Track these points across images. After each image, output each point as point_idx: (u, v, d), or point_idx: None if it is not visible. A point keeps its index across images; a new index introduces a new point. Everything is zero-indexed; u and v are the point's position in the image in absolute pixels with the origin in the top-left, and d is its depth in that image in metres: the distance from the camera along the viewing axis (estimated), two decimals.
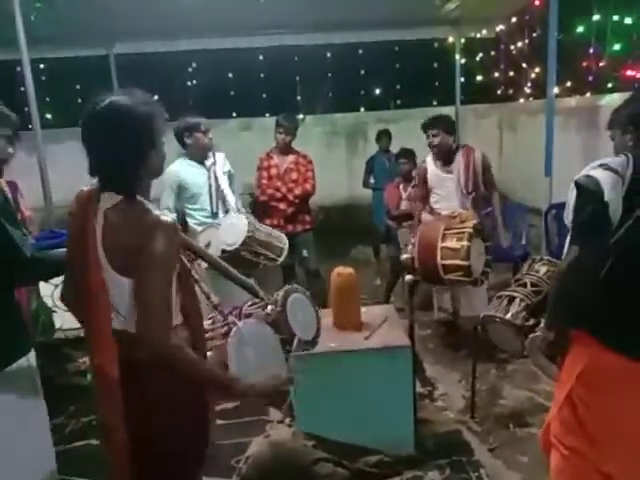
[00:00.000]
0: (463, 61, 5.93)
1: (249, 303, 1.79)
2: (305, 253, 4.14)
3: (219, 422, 2.77)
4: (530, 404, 2.94)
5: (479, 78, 6.46)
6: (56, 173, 4.10)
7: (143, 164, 1.41)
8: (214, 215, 3.40)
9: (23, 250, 1.65)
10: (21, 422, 1.74)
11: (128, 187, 1.41)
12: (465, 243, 2.57)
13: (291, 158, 4.12)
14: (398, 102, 8.96)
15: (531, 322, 1.89)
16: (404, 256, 2.81)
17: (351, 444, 2.44)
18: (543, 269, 2.08)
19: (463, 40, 5.89)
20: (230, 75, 8.44)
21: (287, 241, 3.31)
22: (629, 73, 4.50)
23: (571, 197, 1.68)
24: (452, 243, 2.61)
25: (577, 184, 1.64)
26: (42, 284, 2.56)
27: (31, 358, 1.81)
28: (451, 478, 2.41)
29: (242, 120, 7.75)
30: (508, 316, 1.95)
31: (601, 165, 1.61)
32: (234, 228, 3.06)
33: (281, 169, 4.11)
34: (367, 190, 5.58)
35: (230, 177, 3.60)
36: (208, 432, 1.56)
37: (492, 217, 3.68)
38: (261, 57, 7.24)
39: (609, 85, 4.89)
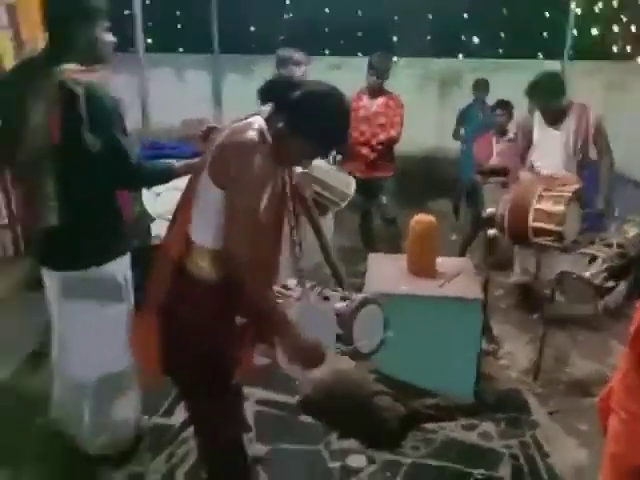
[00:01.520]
0: (578, 11, 5.43)
1: (330, 288, 1.80)
2: (384, 200, 4.14)
3: None
4: (597, 376, 2.88)
5: (594, 32, 5.92)
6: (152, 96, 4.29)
7: None
8: None
9: (131, 156, 1.79)
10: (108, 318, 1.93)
11: None
12: (562, 208, 2.47)
13: (381, 101, 4.03)
14: (500, 51, 8.38)
15: (609, 284, 1.83)
16: (489, 210, 2.76)
17: (412, 384, 2.54)
18: (633, 231, 1.98)
19: None
20: (326, 10, 8.23)
21: (354, 187, 3.25)
22: None
23: None
24: (548, 206, 2.51)
25: None
26: (145, 192, 2.75)
27: (126, 260, 1.99)
28: (506, 432, 2.46)
29: (334, 58, 7.62)
30: (587, 274, 1.89)
31: None
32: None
33: (369, 111, 4.05)
34: (455, 142, 5.40)
35: None
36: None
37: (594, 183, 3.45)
38: None
39: None
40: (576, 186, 2.63)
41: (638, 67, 5.80)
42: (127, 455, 2.15)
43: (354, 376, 2.51)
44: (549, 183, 2.71)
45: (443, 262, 2.86)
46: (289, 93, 1.47)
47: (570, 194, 2.54)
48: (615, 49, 6.20)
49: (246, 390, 2.30)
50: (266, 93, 1.53)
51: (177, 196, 1.59)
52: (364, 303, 1.66)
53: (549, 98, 3.19)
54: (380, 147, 4.00)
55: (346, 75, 6.42)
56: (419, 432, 2.43)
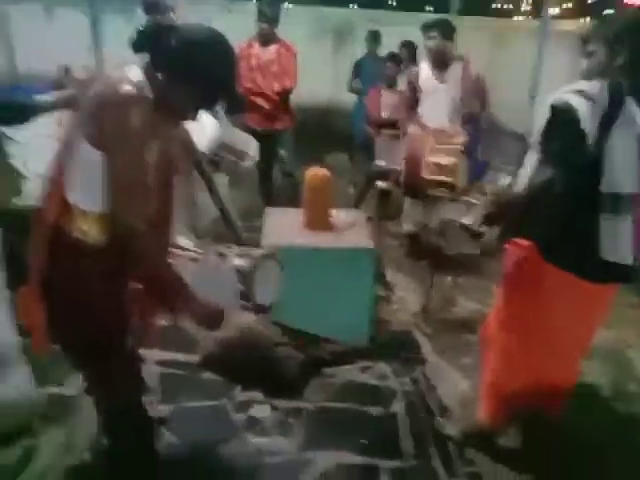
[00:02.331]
0: None
1: (227, 246, 1.77)
2: (282, 152, 4.10)
3: None
4: (478, 314, 3.15)
5: None
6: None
7: None
8: None
9: None
10: None
11: None
12: (454, 160, 2.60)
13: (273, 48, 3.91)
14: (392, 3, 8.48)
15: (484, 229, 2.01)
16: (379, 162, 2.84)
17: (312, 334, 2.63)
18: (505, 180, 2.15)
19: None
20: None
21: (255, 146, 3.17)
22: (627, 1, 4.39)
23: (543, 119, 1.72)
24: (440, 159, 2.64)
25: (554, 108, 1.67)
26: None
27: None
28: (399, 371, 2.64)
29: (225, 1, 7.23)
30: (465, 221, 2.05)
31: (578, 92, 1.63)
32: (202, 130, 2.88)
33: (262, 60, 3.92)
34: (351, 94, 5.43)
35: None
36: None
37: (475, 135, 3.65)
38: None
39: (607, 11, 4.77)
40: (463, 139, 2.77)
41: (517, 25, 6.15)
42: (22, 429, 2.04)
43: (255, 330, 2.54)
44: (438, 136, 2.83)
45: (338, 214, 2.93)
46: (164, 40, 1.36)
47: (459, 147, 2.67)
48: (497, 6, 6.51)
49: (146, 352, 2.25)
50: (139, 42, 1.40)
51: (47, 146, 1.46)
52: (263, 259, 1.67)
53: (443, 35, 3.31)
54: (276, 97, 3.92)
55: (238, 19, 6.15)
56: (319, 378, 2.54)
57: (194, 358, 2.56)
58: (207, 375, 2.48)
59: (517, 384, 1.98)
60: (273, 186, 4.40)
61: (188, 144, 1.64)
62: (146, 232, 1.38)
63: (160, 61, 1.38)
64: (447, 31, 3.34)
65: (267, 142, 3.90)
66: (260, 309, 1.72)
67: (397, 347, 2.81)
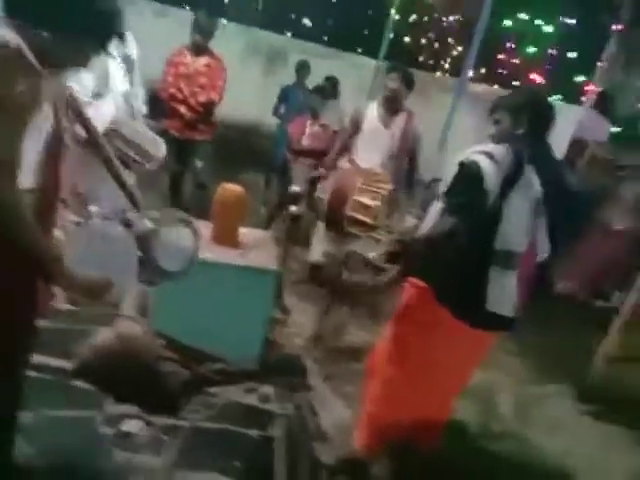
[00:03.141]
0: (397, 17, 5.97)
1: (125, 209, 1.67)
2: (198, 164, 4.05)
3: (66, 307, 2.71)
4: (368, 345, 3.25)
5: (406, 39, 6.53)
6: None
7: None
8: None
9: None
10: None
11: None
12: (378, 203, 2.67)
13: (204, 60, 3.91)
14: (325, 38, 8.77)
15: (386, 265, 2.10)
16: (294, 188, 2.89)
17: (199, 350, 2.56)
18: (411, 222, 2.27)
19: None
20: None
21: (163, 148, 3.06)
22: (532, 77, 4.90)
23: (451, 173, 1.86)
24: (365, 199, 2.70)
25: (462, 165, 1.82)
26: None
27: None
28: (282, 394, 2.63)
29: (158, 5, 7.09)
30: (370, 255, 2.13)
31: (485, 153, 1.80)
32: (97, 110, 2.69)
33: (190, 69, 3.89)
34: (274, 118, 5.51)
35: (128, 62, 3.25)
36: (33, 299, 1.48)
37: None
38: None
39: (514, 83, 5.28)
40: (390, 186, 2.86)
41: (436, 80, 6.60)
42: None
43: (139, 341, 2.42)
44: (367, 177, 2.91)
45: (246, 233, 2.92)
46: None
47: (386, 192, 2.75)
48: (421, 59, 6.96)
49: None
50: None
51: None
52: (169, 221, 1.58)
53: (404, 82, 3.38)
54: (199, 108, 3.88)
55: (172, 25, 6.04)
56: (202, 396, 2.47)
57: (68, 364, 2.38)
58: (79, 383, 2.32)
59: (396, 416, 2.05)
60: (183, 196, 4.30)
61: (92, 128, 1.56)
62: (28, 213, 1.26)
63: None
64: (408, 80, 3.44)
65: (184, 151, 3.84)
66: (164, 275, 1.61)
67: (285, 371, 2.81)
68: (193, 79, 3.87)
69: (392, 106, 3.46)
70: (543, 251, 1.90)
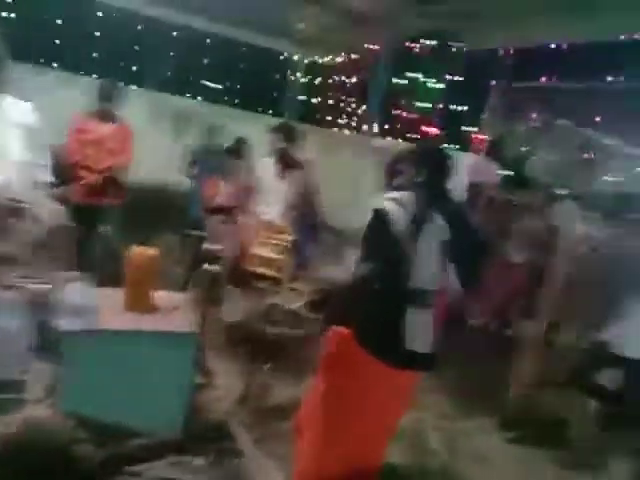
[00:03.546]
0: (304, 80, 6.29)
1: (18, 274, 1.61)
2: (107, 230, 3.92)
3: None
4: (294, 400, 3.20)
5: (314, 100, 6.87)
6: None
7: None
8: None
9: None
10: None
11: None
12: (281, 256, 2.70)
13: (110, 127, 3.89)
14: (236, 101, 9.03)
15: (311, 315, 2.12)
16: (207, 246, 2.86)
17: (116, 426, 2.37)
18: (330, 271, 2.32)
19: (306, 61, 6.24)
20: (58, 22, 7.57)
21: (48, 211, 2.92)
22: (424, 129, 5.32)
23: (366, 221, 1.96)
24: (267, 252, 2.72)
25: (374, 211, 1.93)
26: None
27: None
28: (214, 464, 2.50)
29: (64, 73, 6.98)
30: (293, 306, 2.14)
31: (393, 199, 1.92)
32: None
33: (97, 135, 3.85)
34: (184, 178, 5.50)
35: (28, 131, 3.10)
36: None
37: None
38: (100, 13, 6.67)
39: (408, 135, 5.70)
40: (290, 237, 2.91)
41: (339, 136, 6.94)
42: None
43: (48, 425, 2.23)
44: (267, 230, 2.94)
45: (161, 296, 2.82)
46: None
47: (288, 244, 2.80)
48: (329, 118, 7.32)
49: None
50: None
51: None
52: (64, 281, 1.63)
53: (287, 138, 3.55)
54: (107, 173, 3.81)
55: (76, 93, 5.95)
56: (124, 476, 2.28)
57: None
58: None
59: (329, 471, 2.01)
60: (92, 264, 4.10)
61: None
62: None
63: None
64: (291, 135, 3.61)
65: (89, 217, 3.71)
66: (66, 337, 1.55)
67: (214, 438, 2.67)
68: (101, 145, 3.83)
69: (283, 163, 3.62)
70: (454, 288, 2.02)
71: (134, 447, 2.38)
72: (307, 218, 3.72)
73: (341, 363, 2.01)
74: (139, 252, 2.68)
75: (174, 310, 2.72)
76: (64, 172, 3.75)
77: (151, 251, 2.70)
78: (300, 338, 3.02)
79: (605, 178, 4.54)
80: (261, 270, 2.75)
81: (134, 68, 8.30)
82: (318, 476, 2.02)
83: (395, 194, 1.97)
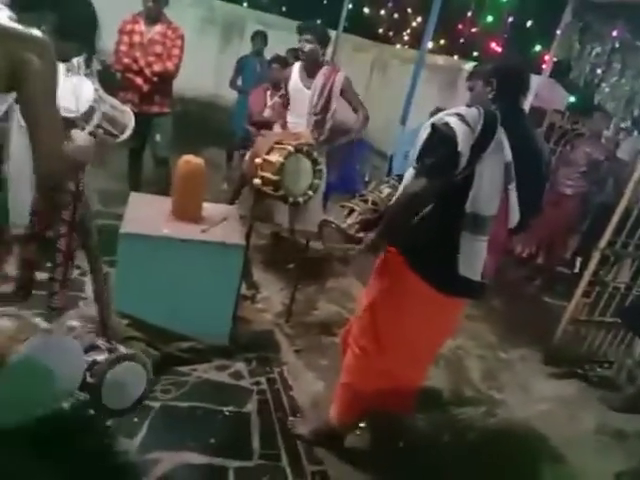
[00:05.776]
0: None
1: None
2: (157, 137, 3.88)
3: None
4: (338, 317, 3.27)
5: (366, 11, 6.42)
6: None
7: None
8: None
9: None
10: None
11: None
12: (280, 159, 2.57)
13: (159, 28, 3.72)
14: (283, 9, 8.54)
15: (361, 235, 2.06)
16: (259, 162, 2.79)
17: (166, 329, 2.48)
18: (386, 191, 2.23)
19: None
20: None
21: (133, 118, 2.96)
22: (492, 46, 4.92)
23: (423, 136, 1.83)
24: (272, 157, 2.61)
25: (434, 127, 1.78)
26: None
27: None
28: (256, 370, 2.60)
29: None
30: (344, 225, 2.09)
31: (458, 115, 1.76)
32: (77, 92, 2.61)
33: (145, 38, 3.70)
34: (233, 91, 5.35)
35: None
36: None
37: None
38: None
39: (474, 53, 5.28)
40: (302, 141, 2.73)
41: (396, 52, 6.55)
42: None
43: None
44: (283, 137, 2.80)
45: (209, 208, 2.83)
46: None
47: (291, 147, 2.63)
48: (380, 31, 6.86)
49: None
50: None
51: None
52: (121, 359, 1.78)
53: (318, 40, 3.28)
54: (155, 79, 3.70)
55: None
56: (172, 375, 2.41)
57: None
58: None
59: (372, 386, 2.05)
60: (142, 172, 4.14)
61: None
62: None
63: None
64: (321, 36, 3.33)
65: (142, 125, 3.65)
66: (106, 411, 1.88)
67: (257, 347, 2.77)
68: (149, 49, 3.67)
69: (311, 66, 3.37)
70: (514, 217, 1.90)
71: (184, 349, 2.49)
72: (339, 134, 3.49)
73: (391, 284, 1.98)
74: (187, 160, 2.66)
75: (221, 222, 2.72)
76: (113, 78, 3.68)
77: (198, 160, 2.67)
78: (349, 257, 3.01)
79: None
80: (263, 173, 2.62)
81: None
82: (363, 391, 2.07)
83: (461, 109, 1.82)
